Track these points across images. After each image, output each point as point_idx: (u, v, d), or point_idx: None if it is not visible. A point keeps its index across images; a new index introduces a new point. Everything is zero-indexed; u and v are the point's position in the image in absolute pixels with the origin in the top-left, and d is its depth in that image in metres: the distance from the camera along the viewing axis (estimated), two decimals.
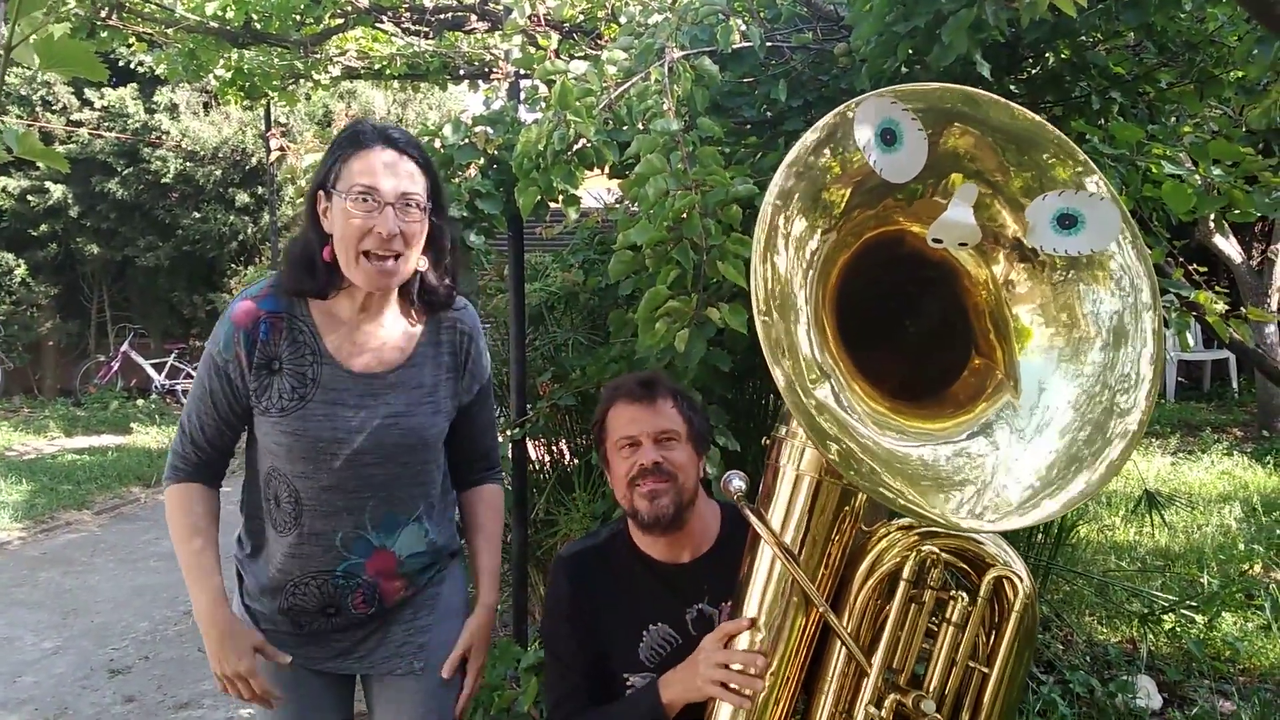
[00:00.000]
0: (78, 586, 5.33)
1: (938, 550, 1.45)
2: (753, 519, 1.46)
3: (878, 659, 1.43)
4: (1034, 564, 3.90)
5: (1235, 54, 2.70)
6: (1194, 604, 3.88)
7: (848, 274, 1.42)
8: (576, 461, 4.09)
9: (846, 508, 1.47)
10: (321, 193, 1.66)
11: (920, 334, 1.59)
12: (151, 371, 11.83)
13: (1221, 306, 2.69)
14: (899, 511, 1.39)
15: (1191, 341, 2.83)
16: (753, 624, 1.49)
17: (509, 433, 3.23)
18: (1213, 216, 2.83)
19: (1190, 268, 2.82)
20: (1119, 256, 1.40)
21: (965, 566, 1.49)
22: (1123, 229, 1.39)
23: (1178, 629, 3.76)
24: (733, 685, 1.47)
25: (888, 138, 1.36)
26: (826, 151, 1.35)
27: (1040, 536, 3.97)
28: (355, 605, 1.76)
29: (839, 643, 1.47)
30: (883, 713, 1.41)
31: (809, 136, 1.33)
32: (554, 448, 4.27)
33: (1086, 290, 1.41)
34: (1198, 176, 2.50)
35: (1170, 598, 3.93)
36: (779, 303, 1.27)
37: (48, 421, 10.37)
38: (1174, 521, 5.21)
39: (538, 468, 4.21)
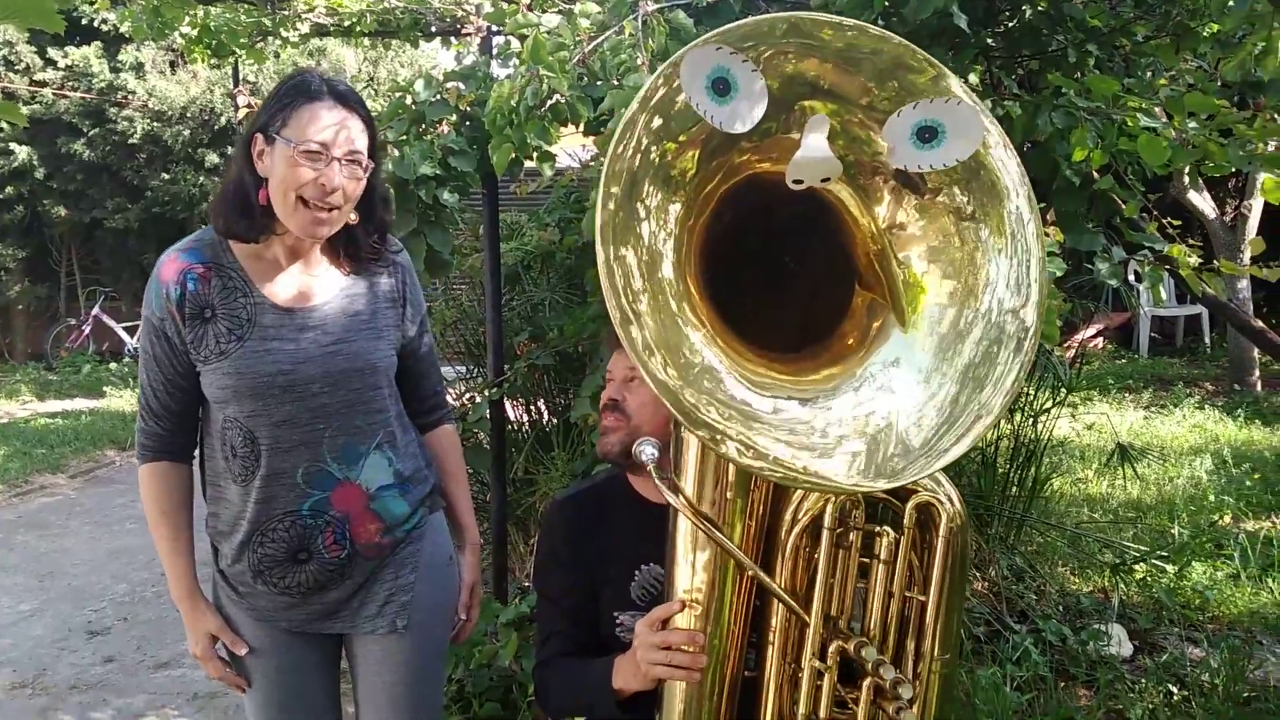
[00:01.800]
0: (54, 550, 5.30)
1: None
2: (666, 491, 1.40)
3: (814, 610, 1.40)
4: (1008, 517, 3.96)
5: (1211, 7, 2.70)
6: (1165, 554, 3.95)
7: (711, 240, 1.34)
8: (555, 421, 4.09)
9: None
10: (260, 136, 1.65)
11: (799, 280, 1.53)
12: (123, 335, 11.69)
13: (1195, 260, 2.71)
14: (818, 490, 1.36)
15: (1165, 296, 2.85)
16: (684, 605, 1.48)
17: (486, 393, 3.23)
18: (1186, 171, 2.84)
19: (1164, 221, 2.82)
20: (996, 166, 1.32)
21: (888, 497, 1.46)
22: (987, 131, 1.30)
23: (1149, 579, 3.83)
24: (675, 663, 1.47)
25: (720, 87, 1.26)
26: (658, 118, 1.25)
27: (1015, 489, 4.03)
28: (326, 546, 1.74)
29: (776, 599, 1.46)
30: (827, 663, 1.40)
31: (633, 107, 1.24)
32: (532, 407, 4.27)
33: (965, 209, 1.33)
34: (1172, 130, 2.50)
35: (1142, 548, 4.00)
36: (645, 299, 1.20)
37: (19, 386, 10.26)
38: (1146, 474, 5.29)
39: (516, 427, 4.21)
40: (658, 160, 1.26)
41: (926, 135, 1.31)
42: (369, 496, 1.77)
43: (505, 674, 2.94)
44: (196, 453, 1.85)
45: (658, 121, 1.25)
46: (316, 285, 1.76)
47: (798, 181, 1.33)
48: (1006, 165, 1.33)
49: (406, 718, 1.86)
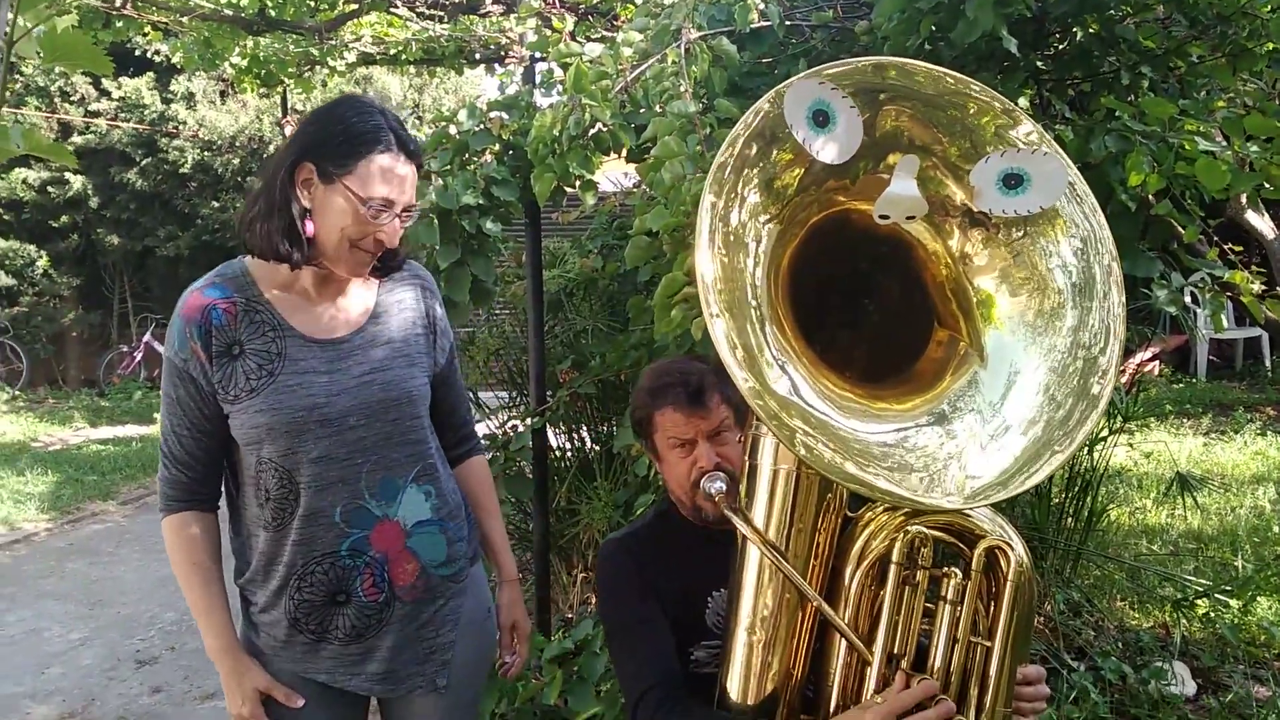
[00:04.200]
0: (104, 577, 5.35)
1: (925, 529, 1.41)
2: (736, 520, 1.44)
3: (878, 647, 1.39)
4: (1064, 549, 3.85)
5: (1270, 26, 2.62)
6: (1228, 589, 3.82)
7: (799, 261, 1.40)
8: (597, 449, 4.06)
9: (829, 496, 1.44)
10: (313, 167, 1.61)
11: (881, 313, 1.56)
12: None
13: (1258, 286, 2.62)
14: (879, 500, 1.39)
15: (1226, 323, 2.76)
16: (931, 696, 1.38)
17: (529, 421, 3.20)
18: (1245, 194, 2.76)
19: (1226, 247, 2.74)
20: (1067, 209, 1.38)
21: (955, 541, 1.45)
22: (1070, 180, 1.37)
23: (1212, 614, 3.70)
24: None
25: (820, 119, 1.34)
26: (760, 140, 1.32)
27: (1070, 521, 3.92)
28: (365, 589, 1.69)
29: (839, 634, 1.43)
30: None
31: (739, 127, 1.31)
32: (575, 435, 4.24)
33: (1046, 246, 1.39)
34: (1230, 153, 2.42)
35: (1204, 582, 3.87)
36: (729, 300, 1.25)
37: (72, 412, 10.44)
38: (1206, 504, 5.13)
39: (558, 456, 4.18)
40: (756, 179, 1.33)
41: (1012, 182, 1.38)
42: (405, 533, 1.72)
43: (549, 712, 2.89)
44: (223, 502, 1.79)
45: (760, 144, 1.33)
46: (345, 315, 1.73)
47: (884, 217, 1.41)
48: (1088, 213, 1.38)
49: None
